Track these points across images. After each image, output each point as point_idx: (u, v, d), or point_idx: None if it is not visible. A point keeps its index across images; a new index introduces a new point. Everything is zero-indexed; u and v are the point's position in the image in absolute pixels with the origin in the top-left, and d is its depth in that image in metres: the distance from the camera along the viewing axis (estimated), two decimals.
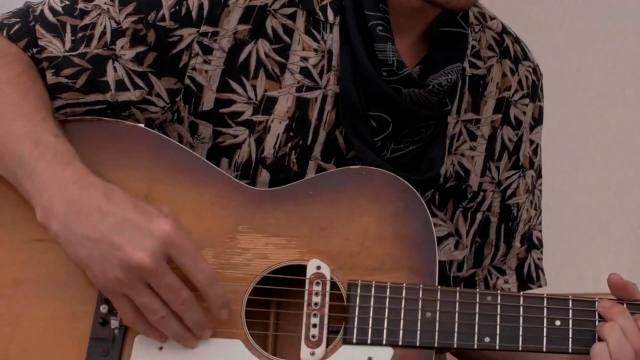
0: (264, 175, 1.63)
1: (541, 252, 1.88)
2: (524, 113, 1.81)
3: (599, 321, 1.49)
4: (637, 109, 3.59)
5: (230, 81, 1.62)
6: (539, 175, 1.87)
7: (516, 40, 1.85)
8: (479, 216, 1.79)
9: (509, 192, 1.81)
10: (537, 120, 1.84)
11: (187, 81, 1.62)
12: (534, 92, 1.83)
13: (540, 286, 1.88)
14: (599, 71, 3.61)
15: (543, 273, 1.88)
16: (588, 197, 3.63)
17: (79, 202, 1.42)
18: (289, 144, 1.64)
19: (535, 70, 1.85)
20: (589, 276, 3.49)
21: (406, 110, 1.63)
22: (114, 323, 1.48)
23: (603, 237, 3.64)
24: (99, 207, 1.42)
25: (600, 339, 1.47)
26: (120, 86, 1.61)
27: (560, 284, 1.53)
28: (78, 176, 1.45)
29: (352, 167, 1.60)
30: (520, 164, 1.82)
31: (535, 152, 1.85)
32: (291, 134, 1.64)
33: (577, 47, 3.59)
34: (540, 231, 1.89)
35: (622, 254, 3.56)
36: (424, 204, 1.55)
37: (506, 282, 1.84)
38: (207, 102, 1.62)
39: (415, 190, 1.56)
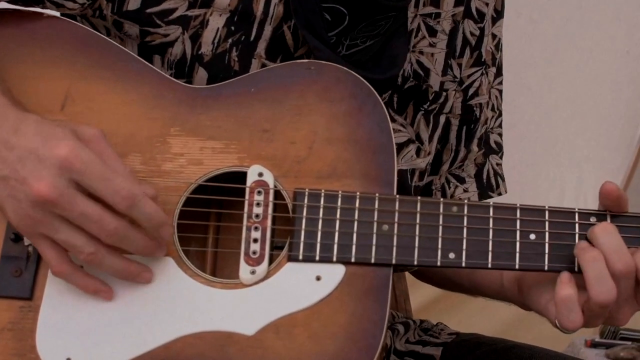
0: (201, 73, 1.48)
1: (500, 157, 1.76)
2: (487, 5, 1.67)
3: (579, 235, 1.32)
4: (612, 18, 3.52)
5: None
6: (499, 73, 1.74)
7: None
8: (441, 119, 1.65)
9: (471, 91, 1.68)
10: (499, 13, 1.71)
11: None
12: None
13: (500, 194, 1.76)
14: None
15: (503, 180, 1.76)
16: (554, 112, 3.58)
17: None
18: (230, 40, 1.48)
19: None
20: (554, 195, 3.44)
21: None
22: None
23: (568, 153, 3.61)
24: (6, 142, 1.26)
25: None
26: None
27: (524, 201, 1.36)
28: None
29: (299, 61, 1.44)
30: (482, 59, 1.68)
31: (497, 47, 1.72)
32: (232, 28, 1.48)
33: None
34: (500, 135, 1.76)
35: (586, 170, 3.51)
36: (381, 102, 1.39)
37: (465, 190, 1.71)
38: (133, 1, 1.46)
39: (370, 87, 1.40)
